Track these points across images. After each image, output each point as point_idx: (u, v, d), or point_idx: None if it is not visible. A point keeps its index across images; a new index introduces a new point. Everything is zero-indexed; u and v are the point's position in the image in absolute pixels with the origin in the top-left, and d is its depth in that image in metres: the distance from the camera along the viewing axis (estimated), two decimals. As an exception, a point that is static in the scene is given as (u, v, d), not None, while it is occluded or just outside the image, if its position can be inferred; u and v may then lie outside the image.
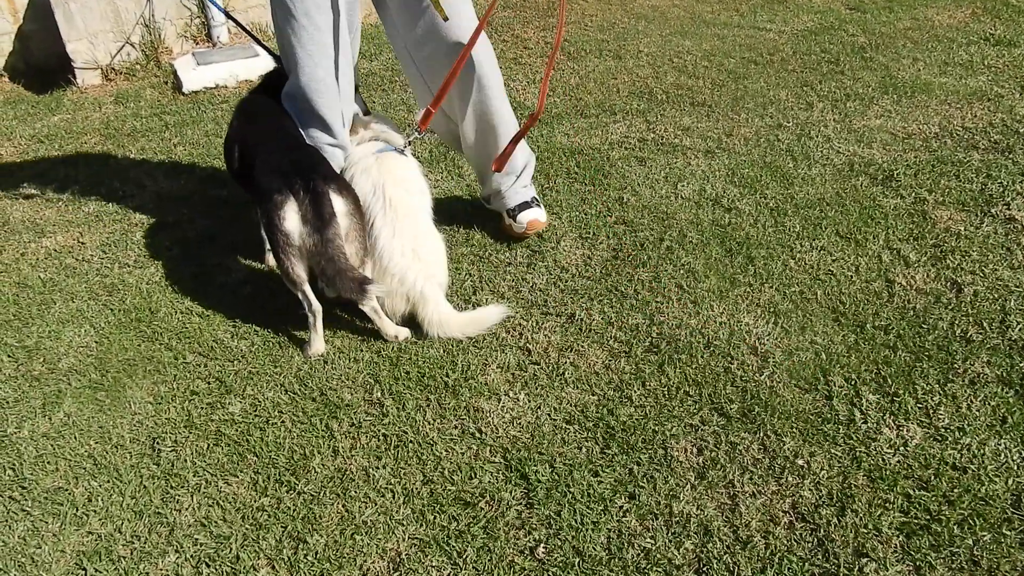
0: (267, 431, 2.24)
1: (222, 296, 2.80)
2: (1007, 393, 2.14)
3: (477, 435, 2.16)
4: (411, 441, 2.16)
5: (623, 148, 3.56)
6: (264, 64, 4.74)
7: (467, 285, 2.74)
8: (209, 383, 2.43)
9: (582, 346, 2.43)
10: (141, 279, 2.94)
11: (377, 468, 2.09)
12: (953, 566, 1.73)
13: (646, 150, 3.50)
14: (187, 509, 2.03)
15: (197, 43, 5.09)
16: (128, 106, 4.48)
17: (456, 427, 2.20)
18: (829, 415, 2.12)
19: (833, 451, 2.02)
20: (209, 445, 2.21)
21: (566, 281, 2.73)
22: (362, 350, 2.49)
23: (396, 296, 2.49)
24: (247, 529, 1.96)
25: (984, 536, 1.77)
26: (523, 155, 2.95)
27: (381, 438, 2.18)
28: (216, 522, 1.98)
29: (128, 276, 2.97)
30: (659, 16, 5.25)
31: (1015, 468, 1.93)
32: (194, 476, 2.12)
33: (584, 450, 2.09)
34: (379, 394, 2.32)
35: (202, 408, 2.34)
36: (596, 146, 3.59)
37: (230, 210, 3.33)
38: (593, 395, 2.26)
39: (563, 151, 3.57)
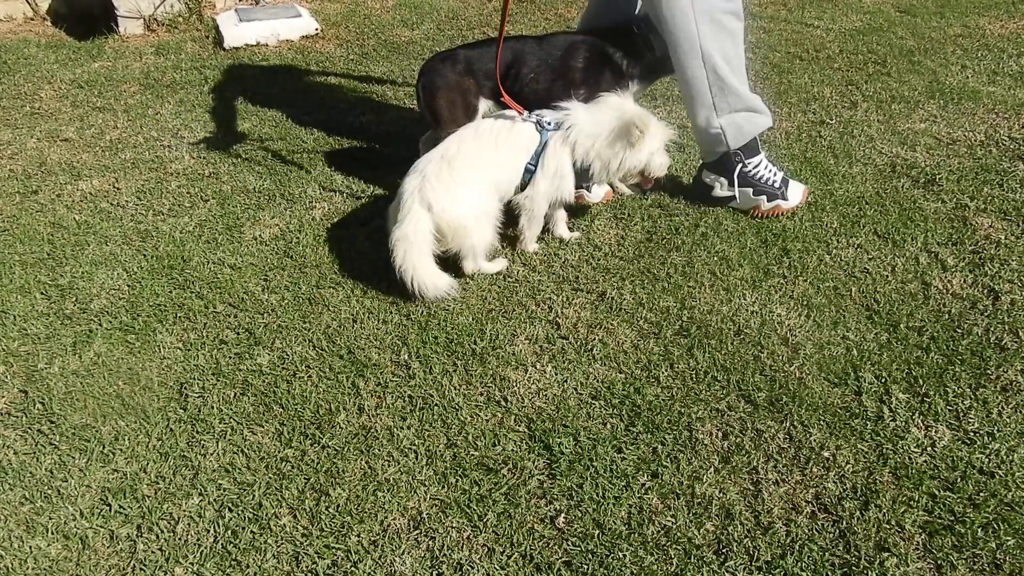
0: (294, 384, 2.25)
1: (254, 249, 2.82)
2: (1039, 402, 2.12)
3: (503, 403, 2.17)
4: (436, 404, 2.17)
5: (662, 133, 3.54)
6: (304, 24, 4.74)
7: (499, 256, 2.73)
8: (238, 333, 2.44)
9: (611, 324, 2.43)
10: (175, 227, 2.96)
11: (401, 428, 2.10)
12: (975, 567, 1.72)
13: (685, 136, 3.46)
14: (212, 454, 2.04)
15: (240, 0, 5.09)
16: (169, 58, 4.50)
17: (482, 394, 2.20)
18: (857, 410, 2.11)
19: (860, 446, 2.01)
20: (236, 394, 2.22)
21: (598, 259, 2.72)
22: (391, 312, 2.50)
23: None
24: (270, 478, 1.97)
25: (1008, 540, 1.76)
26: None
27: (407, 399, 2.19)
28: (240, 469, 2.00)
29: (162, 224, 2.98)
30: (704, 5, 5.19)
31: (1043, 476, 1.91)
32: (220, 423, 2.13)
33: (609, 426, 2.09)
34: (406, 356, 2.33)
35: (230, 357, 2.35)
36: (635, 129, 3.56)
37: (266, 165, 3.34)
38: (620, 373, 2.25)
39: (601, 132, 3.54)
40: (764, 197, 2.89)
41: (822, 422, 2.08)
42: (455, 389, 2.21)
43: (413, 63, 4.38)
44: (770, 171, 2.90)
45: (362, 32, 4.85)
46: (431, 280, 2.46)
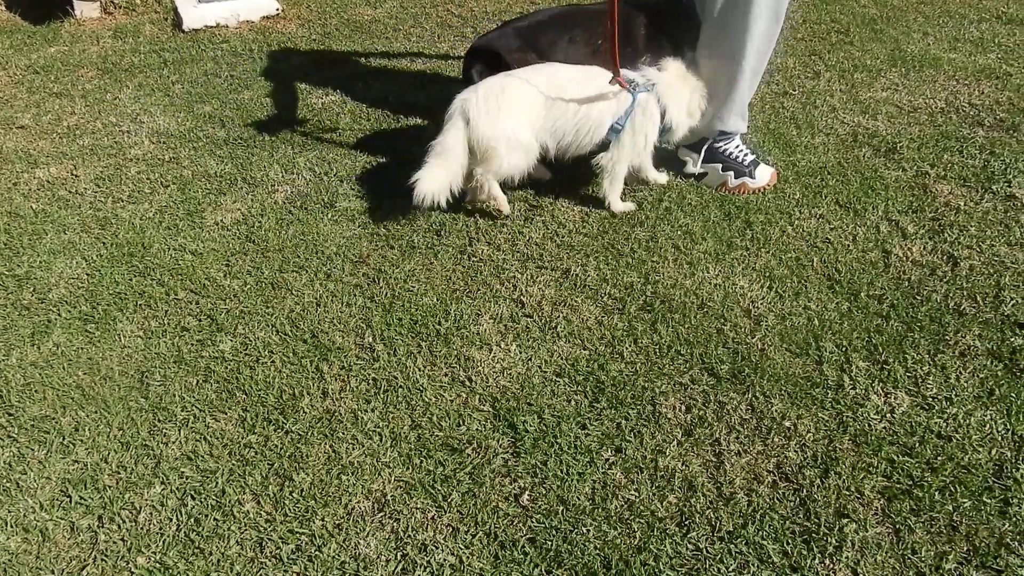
0: (257, 370, 2.23)
1: (216, 234, 2.78)
2: (996, 366, 2.14)
3: (467, 383, 2.16)
4: (401, 386, 2.16)
5: (626, 107, 3.52)
6: (264, 4, 4.66)
7: (463, 235, 2.72)
8: (200, 320, 2.42)
9: (576, 301, 2.43)
10: (134, 214, 2.91)
11: (366, 411, 2.09)
12: (932, 530, 1.75)
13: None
14: (174, 443, 2.03)
15: (198, -19, 4.98)
16: (127, 41, 4.41)
17: (446, 374, 2.20)
18: (818, 380, 2.13)
19: (820, 415, 2.03)
20: (198, 381, 2.20)
21: (563, 237, 2.71)
22: (355, 295, 2.48)
23: None
24: (233, 465, 1.96)
25: (964, 503, 1.79)
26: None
27: (371, 382, 2.18)
28: (203, 456, 1.99)
29: (121, 211, 2.94)
30: (669, -23, 5.16)
31: (999, 439, 1.94)
32: (182, 411, 2.12)
33: (573, 403, 2.10)
34: (370, 339, 2.32)
35: (192, 344, 2.33)
36: (599, 104, 3.55)
37: (227, 149, 3.29)
38: (584, 350, 2.26)
39: (566, 107, 3.52)
40: (732, 173, 2.90)
41: (783, 392, 2.09)
42: (419, 370, 2.21)
43: (376, 42, 4.33)
44: (739, 150, 2.92)
45: (324, 11, 4.77)
46: (426, 185, 2.57)
